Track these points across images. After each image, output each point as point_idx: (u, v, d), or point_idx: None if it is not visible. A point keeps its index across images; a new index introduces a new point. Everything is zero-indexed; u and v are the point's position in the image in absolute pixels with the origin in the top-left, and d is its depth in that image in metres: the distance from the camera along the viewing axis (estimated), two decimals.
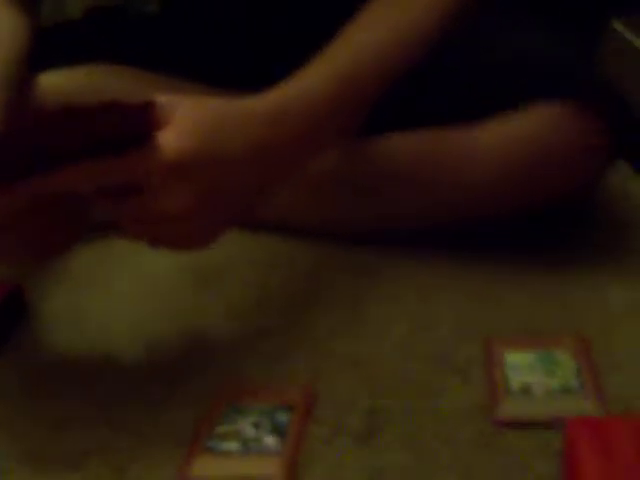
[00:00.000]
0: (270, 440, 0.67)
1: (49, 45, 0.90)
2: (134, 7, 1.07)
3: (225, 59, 0.99)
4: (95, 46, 1.00)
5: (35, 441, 0.70)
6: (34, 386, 0.76)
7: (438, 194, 0.88)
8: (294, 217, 0.93)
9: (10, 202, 0.67)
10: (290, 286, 0.88)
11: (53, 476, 0.66)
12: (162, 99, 0.69)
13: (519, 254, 0.89)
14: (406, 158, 0.88)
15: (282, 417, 0.69)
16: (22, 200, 0.67)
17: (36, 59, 0.83)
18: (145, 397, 0.73)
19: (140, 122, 0.67)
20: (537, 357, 0.73)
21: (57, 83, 0.90)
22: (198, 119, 0.69)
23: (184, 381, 0.74)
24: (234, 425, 0.68)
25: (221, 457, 0.66)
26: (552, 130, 0.84)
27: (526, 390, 0.69)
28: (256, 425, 0.68)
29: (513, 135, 0.84)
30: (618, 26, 1.22)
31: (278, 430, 0.67)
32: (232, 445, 0.66)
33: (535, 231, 0.92)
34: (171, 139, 0.67)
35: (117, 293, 0.88)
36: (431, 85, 0.88)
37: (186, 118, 0.68)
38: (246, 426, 0.68)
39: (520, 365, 0.72)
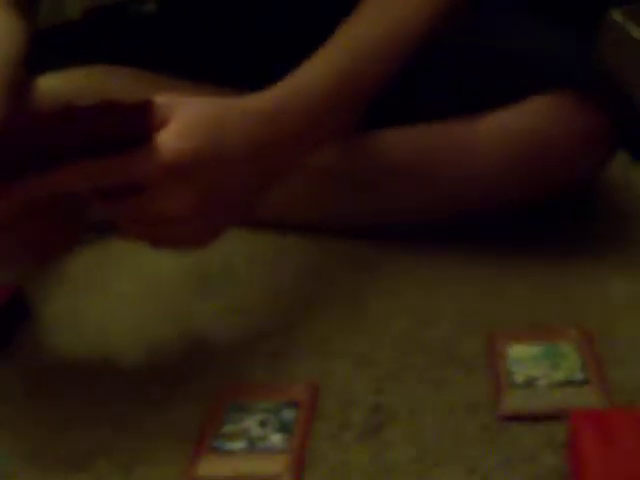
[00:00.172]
0: (276, 438, 0.66)
1: (48, 47, 0.90)
2: (132, 7, 1.07)
3: (224, 57, 0.99)
4: (94, 46, 1.00)
5: (38, 441, 0.69)
6: (36, 387, 0.76)
7: (438, 188, 0.88)
8: (293, 214, 0.93)
9: (9, 202, 0.67)
10: (291, 283, 0.88)
11: (57, 476, 0.66)
12: (160, 99, 0.68)
13: (520, 247, 0.89)
14: (405, 152, 0.88)
15: (288, 414, 0.69)
16: (21, 200, 0.67)
17: (34, 61, 0.83)
18: (146, 397, 0.73)
19: (138, 122, 0.67)
20: (541, 350, 0.73)
21: (56, 84, 0.90)
22: (196, 119, 0.68)
23: (185, 381, 0.74)
24: (240, 424, 0.68)
25: (227, 456, 0.66)
26: (552, 122, 0.84)
27: (530, 383, 0.69)
28: (262, 423, 0.68)
29: (513, 127, 0.84)
30: (617, 16, 1.22)
31: (284, 428, 0.67)
32: (238, 444, 0.66)
33: (536, 223, 0.92)
34: (169, 140, 0.67)
35: (117, 294, 0.88)
36: (429, 79, 0.88)
37: (184, 118, 0.68)
38: (252, 424, 0.68)
39: (524, 358, 0.72)
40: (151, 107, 0.67)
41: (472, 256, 0.88)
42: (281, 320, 0.82)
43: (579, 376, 0.70)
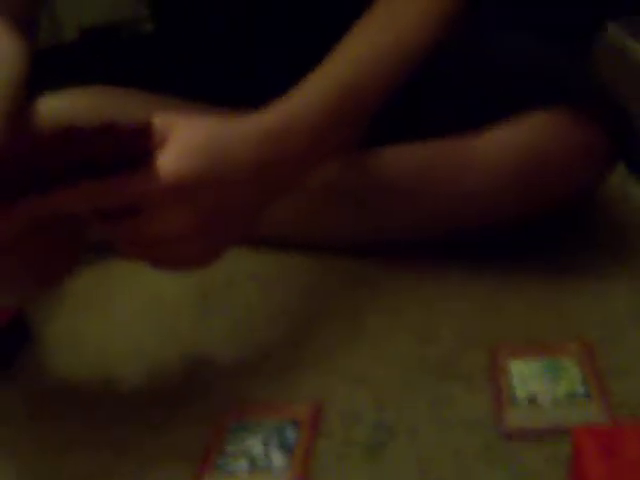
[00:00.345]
0: (278, 457, 0.66)
1: (45, 68, 0.90)
2: (128, 27, 1.08)
3: (221, 77, 0.99)
4: (90, 67, 1.00)
5: (40, 464, 0.69)
6: (38, 409, 0.76)
7: (436, 205, 0.88)
8: (294, 231, 0.93)
9: (10, 223, 0.67)
10: (292, 302, 0.88)
11: None
12: (158, 119, 0.69)
13: (519, 262, 0.89)
14: (404, 170, 0.88)
15: (290, 433, 0.69)
16: (22, 221, 0.67)
17: (33, 82, 0.83)
18: (148, 419, 0.73)
19: (137, 143, 0.67)
20: (542, 365, 0.73)
21: (55, 106, 0.90)
22: (196, 139, 0.68)
23: (187, 403, 0.74)
24: (242, 443, 0.68)
25: (230, 476, 0.65)
26: (549, 137, 0.84)
27: (532, 399, 0.69)
28: (264, 442, 0.68)
29: (510, 143, 0.84)
30: (612, 29, 1.22)
31: (286, 446, 0.67)
32: (241, 464, 0.66)
33: (534, 238, 0.92)
34: (169, 161, 0.67)
35: (118, 315, 0.88)
36: (428, 96, 0.89)
37: (183, 138, 0.68)
38: (254, 444, 0.68)
39: (525, 374, 0.72)
40: (150, 128, 0.67)
41: (472, 272, 0.88)
42: (283, 339, 0.82)
43: (581, 390, 0.70)
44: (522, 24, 0.98)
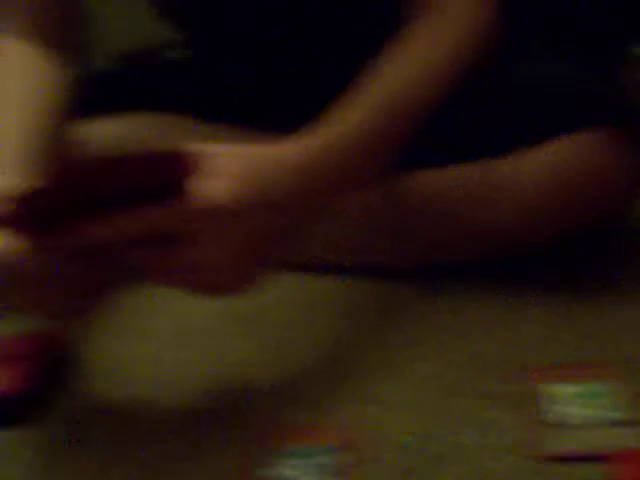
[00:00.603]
0: None
1: (84, 95, 0.92)
2: (160, 53, 1.09)
3: (256, 102, 1.00)
4: (127, 93, 1.01)
5: None
6: (76, 433, 0.76)
7: (471, 227, 0.88)
8: (331, 255, 0.94)
9: (49, 252, 0.68)
10: (330, 326, 0.88)
11: None
12: (196, 147, 0.69)
13: (556, 283, 0.89)
14: (441, 194, 0.88)
15: (327, 459, 0.69)
16: (60, 250, 0.69)
17: (75, 109, 0.85)
18: (186, 442, 0.73)
19: (175, 171, 0.68)
20: (580, 389, 0.73)
21: (95, 133, 0.92)
22: (235, 165, 0.69)
23: (225, 426, 0.75)
24: (280, 468, 0.68)
25: None
26: (585, 158, 0.84)
27: (570, 423, 0.69)
28: (302, 467, 0.68)
29: (548, 165, 0.85)
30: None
31: (323, 472, 0.68)
32: None
33: (571, 258, 0.92)
34: (207, 189, 0.68)
35: (156, 338, 0.89)
36: (461, 119, 0.89)
37: (223, 165, 0.69)
38: (292, 469, 0.68)
39: (563, 397, 0.72)
40: (187, 155, 0.68)
41: (507, 295, 0.88)
42: (320, 363, 0.82)
43: (617, 415, 0.69)
44: (555, 47, 0.98)
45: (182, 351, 0.86)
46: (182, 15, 1.03)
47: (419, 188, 0.89)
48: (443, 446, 0.70)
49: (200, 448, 0.73)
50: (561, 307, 0.86)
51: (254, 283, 0.74)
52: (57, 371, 0.84)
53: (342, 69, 0.82)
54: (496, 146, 0.87)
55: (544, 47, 0.97)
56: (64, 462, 0.73)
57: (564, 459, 0.67)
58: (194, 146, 0.69)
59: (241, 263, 0.71)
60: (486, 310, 0.87)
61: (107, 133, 0.93)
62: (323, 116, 0.76)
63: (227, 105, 1.01)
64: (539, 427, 0.69)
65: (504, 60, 0.90)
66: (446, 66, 0.83)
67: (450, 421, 0.72)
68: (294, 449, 0.70)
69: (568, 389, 0.73)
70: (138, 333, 0.90)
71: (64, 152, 0.77)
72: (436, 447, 0.70)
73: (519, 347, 0.81)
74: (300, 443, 0.71)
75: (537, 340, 0.82)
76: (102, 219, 0.67)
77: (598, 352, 0.79)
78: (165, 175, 0.67)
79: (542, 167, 0.85)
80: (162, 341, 0.89)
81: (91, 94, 0.96)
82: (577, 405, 0.71)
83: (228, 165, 0.70)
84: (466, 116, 0.88)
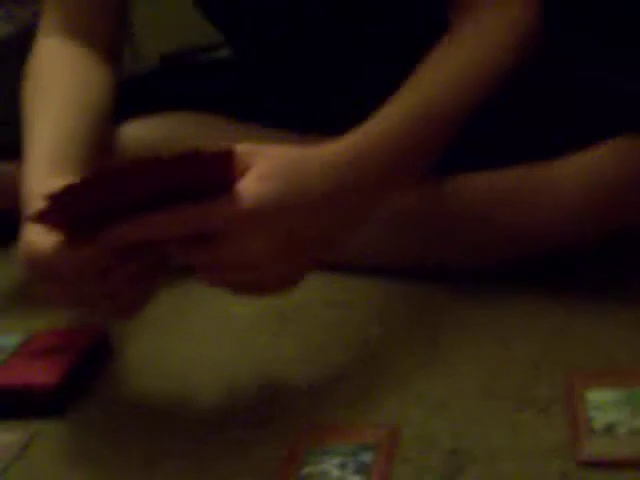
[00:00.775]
0: None
1: (127, 95, 0.93)
2: (206, 53, 1.10)
3: (299, 103, 1.01)
4: (171, 93, 1.02)
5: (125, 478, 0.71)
6: (118, 428, 0.78)
7: (510, 232, 0.88)
8: (369, 257, 0.94)
9: (94, 253, 0.69)
10: (367, 326, 0.88)
11: None
12: (240, 147, 0.70)
13: (595, 287, 0.89)
14: (482, 197, 0.88)
15: (366, 457, 0.69)
16: (105, 250, 0.69)
17: (117, 110, 0.85)
18: (227, 439, 0.74)
19: (220, 170, 0.69)
20: (621, 395, 0.72)
21: (137, 133, 0.93)
22: (277, 167, 0.70)
23: (264, 423, 0.75)
24: (319, 466, 0.69)
25: None
26: (630, 164, 0.84)
27: (610, 429, 0.69)
28: (341, 466, 0.69)
29: (591, 170, 0.84)
30: None
31: (363, 470, 0.68)
32: None
33: (611, 263, 0.91)
34: (251, 187, 0.68)
35: (196, 336, 0.90)
36: (500, 124, 0.88)
37: (265, 166, 0.70)
38: (331, 467, 0.69)
39: (603, 403, 0.71)
40: (232, 155, 0.69)
41: (546, 298, 0.88)
42: (358, 362, 0.83)
43: None
44: (600, 55, 0.97)
45: (220, 349, 0.87)
46: (218, 16, 1.04)
47: (458, 192, 0.89)
48: (485, 449, 0.69)
49: (239, 444, 0.73)
50: (606, 311, 0.85)
51: (294, 283, 0.74)
52: (96, 365, 0.85)
53: (385, 74, 0.82)
54: (537, 150, 0.86)
55: (587, 52, 0.97)
56: (109, 454, 0.75)
57: (607, 465, 0.66)
58: (240, 146, 0.70)
59: (281, 263, 0.71)
60: (523, 314, 0.87)
61: (147, 133, 0.94)
62: (362, 120, 0.77)
63: (265, 106, 1.02)
64: (581, 432, 0.69)
65: (546, 64, 0.90)
66: (486, 70, 0.83)
67: (493, 424, 0.72)
68: (334, 447, 0.70)
69: (611, 394, 0.72)
70: (177, 330, 0.91)
71: (106, 154, 0.77)
72: (478, 450, 0.69)
73: (560, 351, 0.81)
74: (340, 441, 0.71)
75: (578, 344, 0.81)
76: (145, 219, 0.68)
77: None
78: (213, 174, 0.68)
79: (582, 171, 0.85)
80: (200, 338, 0.90)
81: (131, 94, 0.97)
82: (620, 410, 0.70)
83: (271, 166, 0.70)
84: (507, 120, 0.88)
